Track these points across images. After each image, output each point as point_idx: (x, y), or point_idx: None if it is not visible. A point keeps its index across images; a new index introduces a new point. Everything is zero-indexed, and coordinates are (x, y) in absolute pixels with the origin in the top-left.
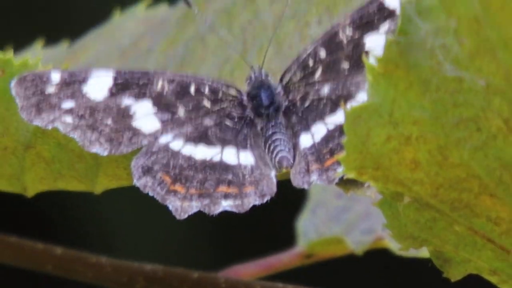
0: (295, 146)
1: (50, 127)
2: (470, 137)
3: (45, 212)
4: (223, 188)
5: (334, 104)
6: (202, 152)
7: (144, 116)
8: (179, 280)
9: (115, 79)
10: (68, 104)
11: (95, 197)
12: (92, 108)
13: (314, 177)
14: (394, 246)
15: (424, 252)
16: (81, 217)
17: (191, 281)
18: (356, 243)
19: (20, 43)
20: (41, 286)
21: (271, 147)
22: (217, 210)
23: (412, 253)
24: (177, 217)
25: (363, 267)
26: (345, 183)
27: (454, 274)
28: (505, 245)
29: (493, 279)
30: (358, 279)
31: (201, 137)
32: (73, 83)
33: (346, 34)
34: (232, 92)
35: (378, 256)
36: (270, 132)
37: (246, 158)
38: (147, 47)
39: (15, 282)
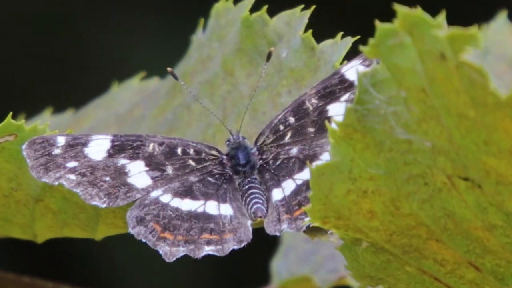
0: (268, 199)
1: (56, 183)
2: (418, 190)
3: (55, 255)
4: (206, 235)
5: (301, 162)
6: (187, 204)
7: (138, 173)
8: None
9: (113, 142)
10: (71, 163)
11: (101, 241)
12: (92, 167)
13: (284, 225)
14: (354, 284)
15: None
16: (90, 258)
17: None
18: (323, 281)
19: (32, 111)
20: None
21: (247, 200)
22: (201, 254)
23: None
24: (166, 260)
25: None
26: (312, 231)
27: None
28: (450, 283)
29: None
30: None
31: (187, 192)
32: (76, 145)
33: (311, 102)
34: (214, 152)
35: None
36: (246, 187)
37: (226, 209)
38: (141, 114)
39: None
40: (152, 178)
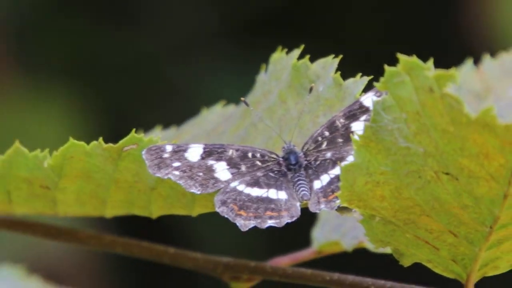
0: (311, 188)
1: (166, 177)
2: (414, 182)
3: (165, 227)
4: (268, 213)
5: (334, 162)
6: (256, 192)
7: (221, 170)
8: (243, 267)
9: (204, 149)
10: (176, 164)
11: (194, 217)
12: (190, 166)
13: (322, 205)
14: (370, 246)
15: (388, 250)
16: (187, 229)
17: (250, 268)
18: (348, 245)
19: (148, 128)
20: (161, 270)
21: (297, 188)
22: (265, 225)
23: (381, 250)
24: (242, 229)
25: (352, 258)
26: (341, 209)
27: (405, 262)
28: (436, 245)
29: (428, 265)
30: (349, 265)
31: (255, 183)
32: (179, 151)
33: (340, 121)
34: (273, 156)
35: (361, 252)
36: (296, 179)
37: (282, 195)
38: (222, 130)
39: (147, 269)
40: (231, 173)
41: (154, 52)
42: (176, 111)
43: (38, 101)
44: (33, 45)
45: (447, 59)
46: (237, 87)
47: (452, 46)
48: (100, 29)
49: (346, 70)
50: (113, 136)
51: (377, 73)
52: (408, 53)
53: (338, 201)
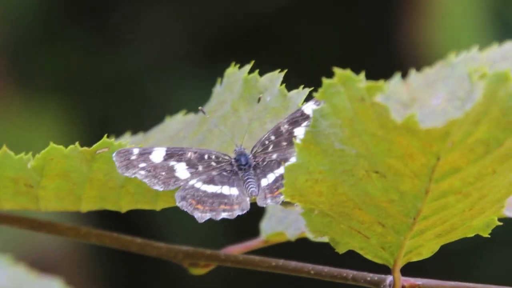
0: (259, 185)
1: (133, 176)
2: (348, 179)
3: (131, 220)
4: (222, 206)
5: (279, 163)
6: (211, 188)
7: (181, 170)
8: (200, 255)
9: (166, 151)
10: (142, 164)
11: (158, 211)
12: (154, 167)
13: (268, 201)
14: (310, 236)
15: (325, 239)
16: (152, 222)
17: (206, 256)
18: (291, 235)
19: (119, 134)
20: (131, 256)
21: (246, 185)
22: (219, 217)
23: (319, 239)
24: (199, 221)
25: (294, 246)
26: (285, 204)
27: (340, 249)
28: (367, 234)
29: (361, 252)
30: (292, 252)
31: (210, 181)
32: (144, 154)
33: (284, 127)
34: (226, 157)
35: (303, 241)
36: (246, 178)
37: (234, 191)
38: (183, 136)
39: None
40: (190, 173)
41: (132, 70)
42: (151, 120)
43: (29, 114)
44: (25, 64)
45: (384, 71)
46: (199, 99)
47: (389, 62)
48: (86, 50)
49: (291, 83)
50: (93, 143)
51: (317, 84)
52: (344, 66)
53: (282, 197)
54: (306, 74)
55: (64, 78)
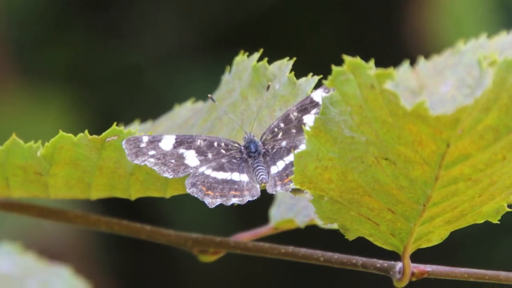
0: (268, 172)
1: (142, 164)
2: (358, 166)
3: (142, 208)
4: (232, 192)
5: (288, 150)
6: (221, 175)
7: (191, 157)
8: (209, 242)
9: (176, 139)
10: (151, 152)
11: (168, 199)
12: (164, 154)
13: (278, 188)
14: (320, 223)
15: (335, 226)
16: (161, 210)
17: (215, 243)
18: (301, 222)
19: (128, 122)
20: (140, 244)
21: (256, 173)
22: (229, 203)
23: (329, 226)
24: (209, 207)
25: (304, 233)
26: (295, 191)
27: (350, 236)
28: (376, 221)
29: (370, 239)
30: (302, 239)
31: (220, 167)
32: (154, 141)
33: (294, 114)
34: (236, 145)
35: (313, 228)
36: (255, 165)
37: (244, 177)
38: (192, 123)
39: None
40: (199, 160)
41: (138, 62)
42: (156, 110)
43: (35, 105)
44: (32, 54)
45: (389, 61)
46: (206, 87)
47: (394, 51)
48: (92, 40)
49: (299, 72)
50: (100, 132)
51: (326, 72)
52: (353, 53)
53: (292, 184)
54: (312, 64)
55: (71, 68)
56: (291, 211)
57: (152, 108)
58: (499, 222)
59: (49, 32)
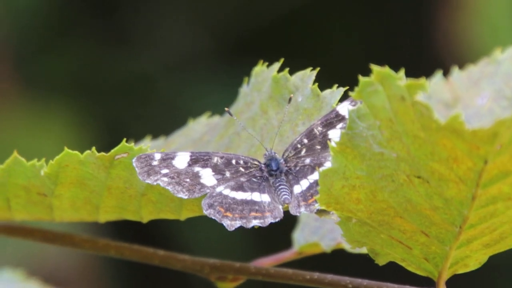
0: (291, 192)
1: (155, 183)
2: (388, 185)
3: (154, 231)
4: (253, 213)
5: (312, 168)
6: (240, 195)
7: (207, 176)
8: (228, 268)
9: (191, 156)
10: (164, 171)
11: (183, 221)
12: (178, 173)
13: (302, 209)
14: (347, 247)
15: (364, 250)
16: (176, 232)
17: (235, 269)
18: (327, 246)
19: (139, 138)
20: (152, 270)
21: (278, 193)
22: (250, 225)
23: (357, 250)
24: (228, 229)
25: (330, 258)
26: (320, 212)
27: (380, 261)
28: (409, 245)
29: (402, 264)
30: (328, 265)
31: (239, 187)
32: (167, 159)
33: (318, 129)
34: (256, 162)
35: (340, 253)
36: (277, 184)
37: (265, 197)
38: (208, 139)
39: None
40: (217, 179)
41: (147, 71)
42: (168, 124)
43: (38, 117)
44: (34, 63)
45: (420, 71)
46: (222, 99)
47: (426, 60)
48: (98, 49)
49: (323, 83)
50: (108, 148)
51: (353, 83)
52: (381, 63)
53: (317, 205)
54: (338, 74)
55: (76, 78)
56: (316, 234)
57: (163, 120)
58: None
59: (52, 39)
